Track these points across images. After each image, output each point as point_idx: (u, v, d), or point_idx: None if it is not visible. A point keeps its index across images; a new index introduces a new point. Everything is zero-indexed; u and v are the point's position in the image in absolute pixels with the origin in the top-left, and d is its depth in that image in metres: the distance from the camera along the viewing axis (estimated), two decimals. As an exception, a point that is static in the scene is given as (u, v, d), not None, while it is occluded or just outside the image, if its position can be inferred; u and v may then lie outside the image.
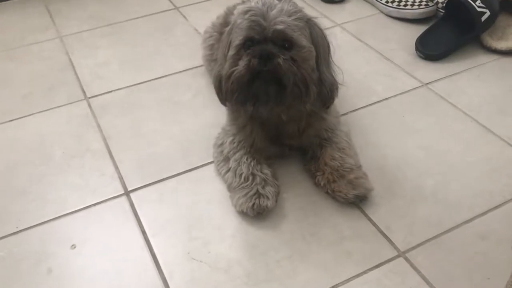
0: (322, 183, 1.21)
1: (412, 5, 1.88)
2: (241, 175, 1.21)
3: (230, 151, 1.26)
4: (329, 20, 1.92)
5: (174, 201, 1.23)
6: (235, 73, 1.08)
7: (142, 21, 2.01)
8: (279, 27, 1.06)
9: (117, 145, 1.41)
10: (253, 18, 1.07)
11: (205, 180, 1.29)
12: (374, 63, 1.70)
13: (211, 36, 1.55)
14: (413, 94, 1.56)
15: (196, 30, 1.92)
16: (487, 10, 1.66)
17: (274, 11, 1.07)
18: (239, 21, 1.11)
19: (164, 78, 1.67)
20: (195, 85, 1.63)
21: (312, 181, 1.25)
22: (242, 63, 1.07)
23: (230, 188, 1.23)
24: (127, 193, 1.27)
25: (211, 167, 1.32)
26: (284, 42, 1.07)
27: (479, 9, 1.65)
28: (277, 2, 1.10)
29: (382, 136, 1.40)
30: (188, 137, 1.43)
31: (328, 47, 1.16)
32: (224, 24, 1.47)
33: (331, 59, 1.17)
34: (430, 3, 1.88)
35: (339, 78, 1.18)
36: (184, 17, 2.02)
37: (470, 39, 1.71)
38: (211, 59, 1.54)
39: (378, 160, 1.32)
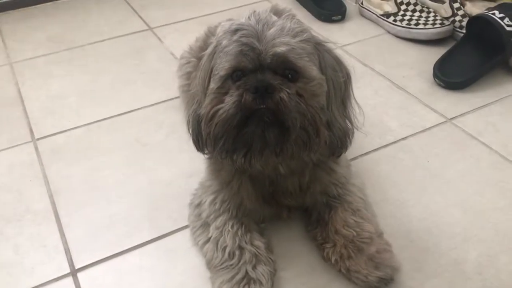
0: (333, 259, 0.92)
1: (425, 24, 1.62)
2: (224, 249, 0.92)
3: (211, 214, 0.96)
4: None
5: (137, 284, 0.92)
6: (220, 113, 0.79)
7: (108, 44, 1.71)
8: (280, 50, 0.77)
9: (66, 204, 1.10)
10: (244, 40, 0.78)
11: (178, 252, 0.99)
12: (385, 93, 1.42)
13: (188, 63, 1.28)
14: (436, 132, 1.27)
15: (172, 54, 1.64)
16: (517, 30, 1.39)
17: (272, 30, 0.79)
18: (224, 42, 0.81)
19: (131, 114, 1.38)
20: (169, 122, 1.34)
21: (319, 253, 0.96)
22: (230, 100, 0.78)
23: (210, 265, 0.93)
24: (73, 272, 0.96)
25: (187, 233, 1.01)
26: (287, 71, 0.79)
27: (508, 28, 1.39)
28: (275, 18, 0.82)
29: (404, 188, 1.11)
30: (158, 191, 1.13)
31: (346, 82, 0.87)
32: (204, 48, 1.18)
33: (348, 98, 0.88)
34: (446, 22, 1.61)
35: (355, 122, 0.89)
36: (159, 39, 1.73)
37: (497, 64, 1.44)
38: (188, 90, 1.25)
39: (402, 224, 1.02)
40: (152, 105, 1.41)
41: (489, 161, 1.17)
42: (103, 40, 1.73)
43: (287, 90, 0.77)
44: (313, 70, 0.81)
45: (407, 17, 1.66)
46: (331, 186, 0.97)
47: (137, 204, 1.10)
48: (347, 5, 1.84)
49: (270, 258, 0.92)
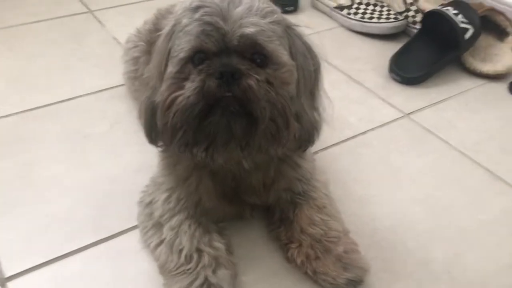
0: (299, 260, 0.85)
1: (379, 18, 1.59)
2: (180, 252, 0.83)
3: (164, 214, 0.87)
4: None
5: (78, 295, 0.82)
6: (179, 100, 0.70)
7: (44, 25, 1.56)
8: (249, 31, 0.69)
9: (-6, 203, 0.96)
10: (208, 18, 0.69)
11: (126, 256, 0.88)
12: (342, 88, 1.38)
13: (135, 47, 1.17)
14: (394, 127, 1.24)
15: (115, 39, 1.51)
16: (470, 27, 1.39)
17: (239, 8, 0.70)
18: (184, 21, 0.72)
19: (70, 102, 1.24)
20: (113, 112, 1.22)
21: (283, 254, 0.89)
22: (191, 86, 0.69)
23: (163, 270, 0.83)
24: (2, 281, 0.83)
25: (136, 235, 0.91)
26: (256, 55, 0.71)
27: (462, 25, 1.39)
28: None
29: (366, 185, 1.06)
30: (103, 188, 1.01)
31: (316, 70, 0.80)
32: (154, 31, 1.09)
33: (317, 88, 0.82)
34: (399, 17, 1.60)
35: (324, 114, 0.83)
36: (100, 22, 1.60)
37: (452, 60, 1.44)
38: (135, 76, 1.15)
39: (366, 222, 0.98)
40: (94, 92, 1.28)
41: (449, 157, 1.15)
42: (38, 21, 1.57)
43: (256, 76, 0.69)
44: (284, 55, 0.73)
45: (361, 11, 1.63)
46: (296, 182, 0.91)
47: (78, 202, 0.98)
48: (300, -3, 1.79)
49: (231, 261, 0.84)
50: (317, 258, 0.84)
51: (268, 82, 0.71)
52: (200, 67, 0.70)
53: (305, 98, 0.79)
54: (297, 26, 0.79)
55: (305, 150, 0.86)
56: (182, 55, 0.71)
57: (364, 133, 1.21)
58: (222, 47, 0.70)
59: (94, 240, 0.90)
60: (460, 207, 1.02)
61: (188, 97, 0.69)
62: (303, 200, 0.91)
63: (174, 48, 0.73)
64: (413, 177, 1.09)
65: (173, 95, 0.71)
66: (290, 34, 0.76)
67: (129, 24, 1.29)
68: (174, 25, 0.75)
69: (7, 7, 1.64)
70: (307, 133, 0.81)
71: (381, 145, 1.18)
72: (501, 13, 1.53)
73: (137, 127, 1.06)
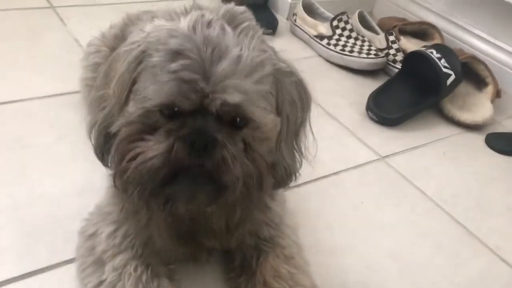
0: (260, 318, 0.74)
1: (360, 52, 1.53)
2: (123, 298, 0.69)
3: (108, 250, 0.74)
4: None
5: None
6: (140, 158, 0.59)
7: (-4, 16, 1.40)
8: (231, 99, 0.58)
9: None
10: (186, 75, 0.57)
11: (55, 296, 0.74)
12: (316, 121, 1.28)
13: (97, 52, 1.05)
14: (369, 170, 1.16)
15: (76, 40, 1.38)
16: (452, 72, 1.35)
17: (224, 64, 0.57)
18: (156, 60, 0.59)
19: (12, 105, 1.10)
20: (63, 121, 1.08)
21: (241, 308, 0.77)
22: (156, 147, 0.59)
23: (101, 320, 0.70)
24: None
25: (71, 271, 0.77)
26: (236, 118, 0.61)
27: (444, 70, 1.34)
28: (229, 34, 0.61)
29: (337, 232, 0.97)
30: (38, 210, 0.88)
31: (303, 116, 0.70)
32: (120, 37, 0.97)
33: (303, 127, 0.72)
34: (380, 53, 1.54)
35: (306, 153, 0.73)
36: (61, 20, 1.46)
37: (431, 104, 1.38)
38: (93, 84, 1.00)
39: (336, 275, 0.88)
40: (43, 97, 1.14)
41: (425, 209, 1.08)
42: (-11, 11, 1.41)
43: (232, 147, 0.59)
44: (267, 116, 0.63)
45: (341, 42, 1.56)
46: (263, 226, 0.80)
47: (6, 225, 0.83)
48: (279, 20, 1.71)
49: (180, 313, 0.72)
50: (280, 318, 0.73)
51: (245, 143, 0.61)
52: (170, 125, 0.59)
53: (286, 143, 0.70)
54: (291, 71, 0.67)
55: (276, 189, 0.76)
56: (149, 104, 0.59)
57: (337, 173, 1.12)
58: (198, 107, 0.59)
59: (17, 274, 0.76)
60: (436, 266, 0.94)
61: (151, 158, 0.58)
62: (269, 247, 0.80)
63: (140, 86, 0.61)
64: (388, 228, 1.00)
65: (135, 150, 0.60)
66: (280, 81, 0.65)
67: (93, 26, 1.16)
68: (142, 54, 0.62)
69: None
70: (282, 178, 0.71)
71: (354, 188, 1.09)
72: (481, 62, 1.50)
73: (88, 141, 0.93)
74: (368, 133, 1.28)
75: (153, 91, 0.58)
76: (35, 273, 0.77)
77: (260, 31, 0.67)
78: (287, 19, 1.78)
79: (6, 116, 1.06)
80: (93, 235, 0.77)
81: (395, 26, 1.64)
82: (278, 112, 0.66)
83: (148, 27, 0.65)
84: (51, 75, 1.21)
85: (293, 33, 1.71)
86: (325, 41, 1.58)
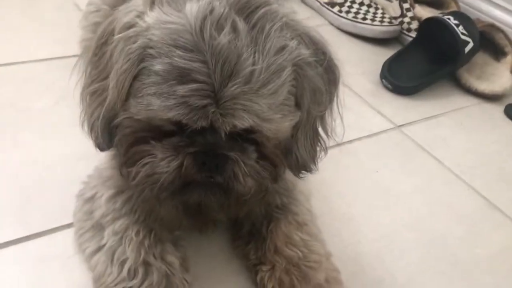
0: (269, 286, 0.69)
1: (373, 20, 1.46)
2: (123, 263, 0.65)
3: (108, 214, 0.69)
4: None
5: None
6: (150, 173, 0.58)
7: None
8: (242, 124, 0.54)
9: None
10: (195, 100, 0.52)
11: (52, 261, 0.71)
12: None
13: (97, 11, 1.00)
14: (384, 138, 1.10)
15: (76, 5, 1.32)
16: (470, 40, 1.28)
17: (235, 83, 0.52)
18: (159, 69, 0.53)
19: (8, 67, 1.04)
20: (61, 85, 1.02)
21: (250, 277, 0.72)
22: (166, 165, 0.57)
23: (99, 284, 0.66)
24: None
25: (69, 235, 0.72)
26: (248, 133, 0.58)
27: (462, 37, 1.27)
28: (241, 33, 0.53)
29: (351, 201, 0.91)
30: (34, 175, 0.83)
31: (330, 98, 0.65)
32: (123, -5, 0.90)
33: (331, 108, 0.66)
34: (394, 21, 1.47)
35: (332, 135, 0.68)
36: (61, -17, 1.40)
37: (448, 73, 1.32)
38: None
39: (350, 244, 0.83)
40: (41, 60, 1.08)
41: (443, 180, 1.02)
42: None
43: (245, 160, 0.58)
44: (284, 124, 0.58)
45: (353, 10, 1.49)
46: (274, 194, 0.74)
47: (1, 190, 0.78)
48: (287, -12, 1.64)
49: (185, 280, 0.67)
50: (292, 286, 0.68)
51: (258, 150, 0.59)
52: (178, 140, 0.57)
53: (302, 132, 0.64)
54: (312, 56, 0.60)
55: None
56: (155, 115, 0.55)
57: (350, 141, 1.07)
58: (207, 125, 0.54)
59: (11, 238, 0.71)
60: (455, 237, 0.89)
61: (161, 173, 0.57)
62: (281, 214, 0.75)
63: (142, 88, 0.55)
64: (404, 198, 0.95)
65: (143, 160, 0.57)
66: (302, 73, 0.59)
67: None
68: (144, 50, 0.55)
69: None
70: (291, 167, 0.67)
71: (369, 157, 1.04)
72: (500, 30, 1.43)
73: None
74: (382, 102, 1.22)
75: (159, 107, 0.53)
76: (30, 237, 0.73)
77: (281, 12, 0.59)
78: (296, -13, 1.70)
79: (1, 79, 1.01)
80: (92, 198, 0.72)
81: (409, -7, 1.57)
82: (297, 104, 0.60)
83: (150, 18, 0.57)
84: (49, 37, 1.16)
85: (303, 0, 1.64)
86: (336, 8, 1.51)
